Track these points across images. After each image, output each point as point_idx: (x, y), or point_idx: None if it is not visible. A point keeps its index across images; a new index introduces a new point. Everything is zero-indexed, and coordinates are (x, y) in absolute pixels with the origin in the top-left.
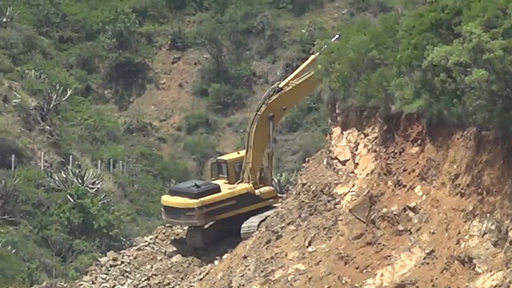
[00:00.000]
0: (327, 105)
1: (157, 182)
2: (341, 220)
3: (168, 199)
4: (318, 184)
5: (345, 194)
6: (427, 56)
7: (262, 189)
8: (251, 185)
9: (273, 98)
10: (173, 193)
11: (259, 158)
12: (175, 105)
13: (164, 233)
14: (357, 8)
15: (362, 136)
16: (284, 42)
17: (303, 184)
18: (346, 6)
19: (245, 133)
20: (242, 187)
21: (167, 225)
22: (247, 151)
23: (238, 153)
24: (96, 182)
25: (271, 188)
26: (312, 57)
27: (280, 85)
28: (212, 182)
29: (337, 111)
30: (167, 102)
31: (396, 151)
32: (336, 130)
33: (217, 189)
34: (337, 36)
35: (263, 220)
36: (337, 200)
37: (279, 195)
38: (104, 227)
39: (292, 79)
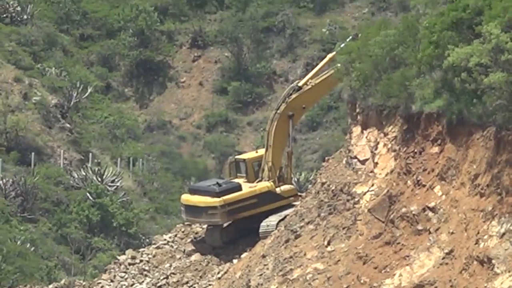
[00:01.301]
0: (347, 104)
1: (177, 180)
2: (360, 219)
3: (188, 198)
4: (337, 183)
5: (364, 194)
6: (448, 57)
7: (282, 187)
8: (272, 183)
9: (293, 96)
10: (194, 191)
11: (279, 156)
12: (195, 103)
13: (183, 232)
14: (378, 7)
15: (382, 135)
16: (304, 41)
17: (323, 183)
18: (367, 6)
19: (265, 132)
20: (263, 185)
21: (186, 223)
22: (266, 150)
23: (257, 152)
24: (116, 180)
25: (292, 186)
26: (329, 55)
27: (299, 84)
28: (232, 180)
29: (357, 110)
30: (187, 101)
31: (416, 150)
32: (356, 129)
33: (239, 187)
34: (351, 36)
35: (282, 219)
36: (356, 199)
37: (298, 193)
38: (123, 225)
39: (311, 78)
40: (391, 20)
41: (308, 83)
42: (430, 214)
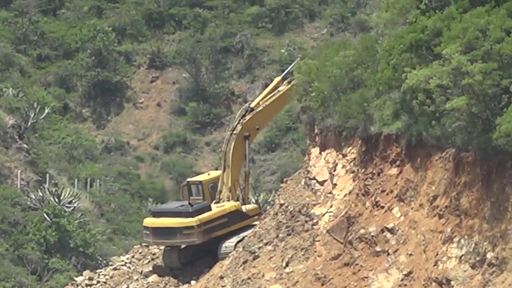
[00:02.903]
0: (306, 125)
1: (134, 201)
2: (318, 240)
3: (155, 221)
4: (296, 204)
5: (323, 215)
6: (406, 80)
7: (247, 206)
8: (238, 202)
9: (247, 118)
10: (159, 214)
11: (237, 177)
12: (153, 124)
13: (140, 253)
14: (337, 28)
15: (340, 156)
16: (263, 62)
17: (281, 205)
18: (326, 26)
19: (221, 153)
20: (231, 204)
21: (143, 244)
22: (224, 171)
23: (209, 174)
24: (73, 201)
25: (255, 205)
26: (276, 79)
27: (252, 105)
28: (198, 202)
29: (315, 131)
30: (145, 121)
31: (374, 172)
32: (315, 151)
33: (209, 207)
34: (298, 58)
35: (241, 240)
36: (314, 220)
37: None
38: (80, 246)
39: (261, 100)
40: (350, 41)
41: (259, 104)
42: (389, 235)
